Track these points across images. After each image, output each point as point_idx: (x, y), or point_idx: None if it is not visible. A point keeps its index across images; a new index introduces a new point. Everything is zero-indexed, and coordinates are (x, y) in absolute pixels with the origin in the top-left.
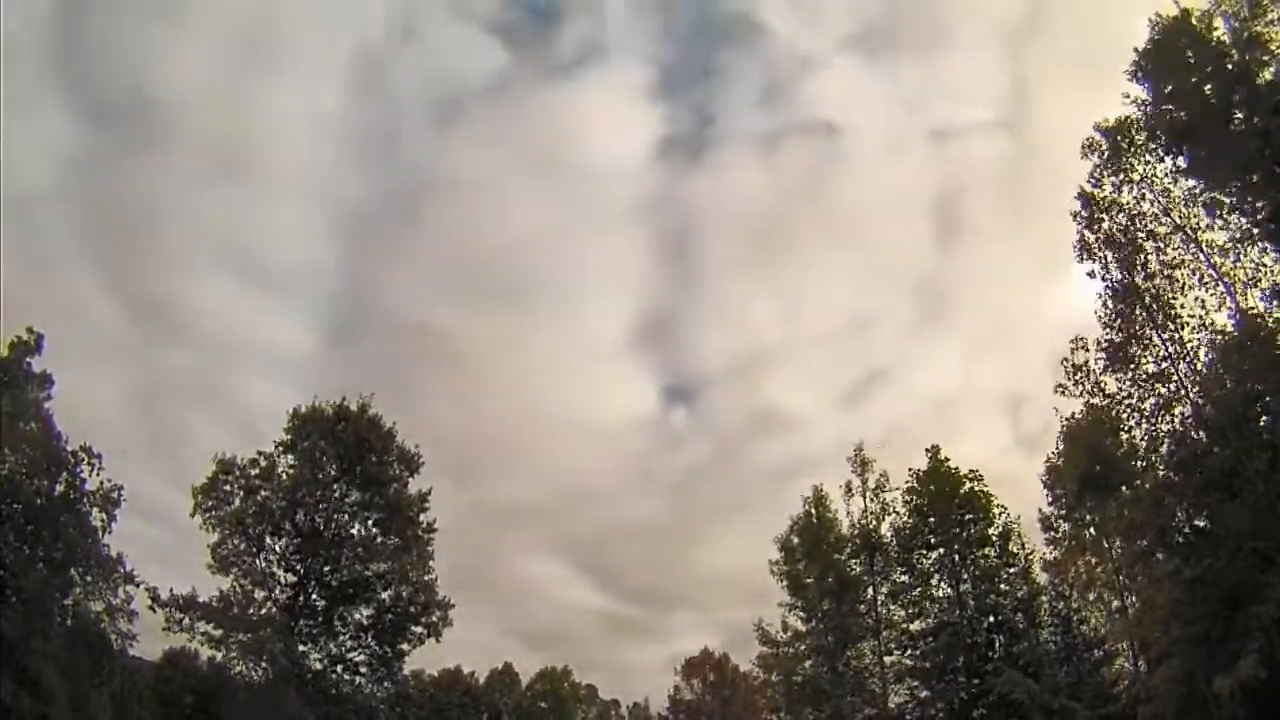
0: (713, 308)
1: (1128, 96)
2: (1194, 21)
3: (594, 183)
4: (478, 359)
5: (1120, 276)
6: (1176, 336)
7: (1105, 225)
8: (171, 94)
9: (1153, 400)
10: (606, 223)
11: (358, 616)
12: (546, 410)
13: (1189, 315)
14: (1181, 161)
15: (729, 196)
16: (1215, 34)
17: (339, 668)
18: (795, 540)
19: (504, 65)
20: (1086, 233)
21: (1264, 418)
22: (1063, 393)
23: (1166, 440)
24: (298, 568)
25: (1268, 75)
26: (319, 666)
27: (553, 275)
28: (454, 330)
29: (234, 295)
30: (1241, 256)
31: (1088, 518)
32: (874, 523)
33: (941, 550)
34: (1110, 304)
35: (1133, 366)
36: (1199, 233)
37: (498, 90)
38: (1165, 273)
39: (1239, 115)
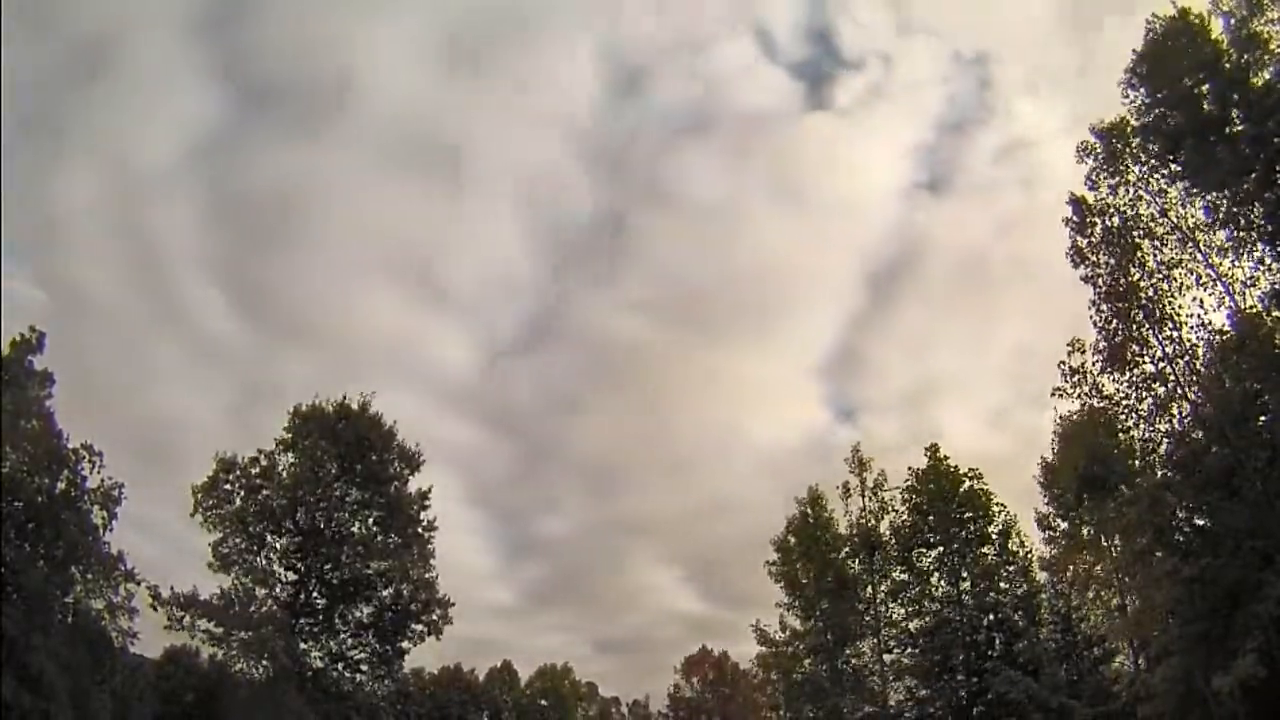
0: (897, 337)
1: (1125, 98)
2: (1191, 21)
3: (829, 218)
4: (658, 376)
5: (1117, 277)
6: (1175, 337)
7: (1099, 227)
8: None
9: (1151, 400)
10: (824, 255)
11: (358, 614)
12: (712, 428)
13: (1187, 315)
14: (1176, 167)
15: (944, 235)
16: (1213, 34)
17: (340, 665)
18: (792, 540)
19: (777, 93)
20: (1078, 237)
21: (1262, 417)
22: (1060, 395)
23: (1165, 440)
24: (298, 566)
25: (1265, 76)
26: (320, 664)
27: (760, 301)
28: (640, 347)
29: (391, 300)
30: (1240, 257)
31: (1086, 517)
32: (872, 521)
33: (941, 549)
34: (1106, 306)
35: (1131, 367)
36: (1196, 233)
37: (759, 117)
38: (1163, 273)
39: (1236, 117)
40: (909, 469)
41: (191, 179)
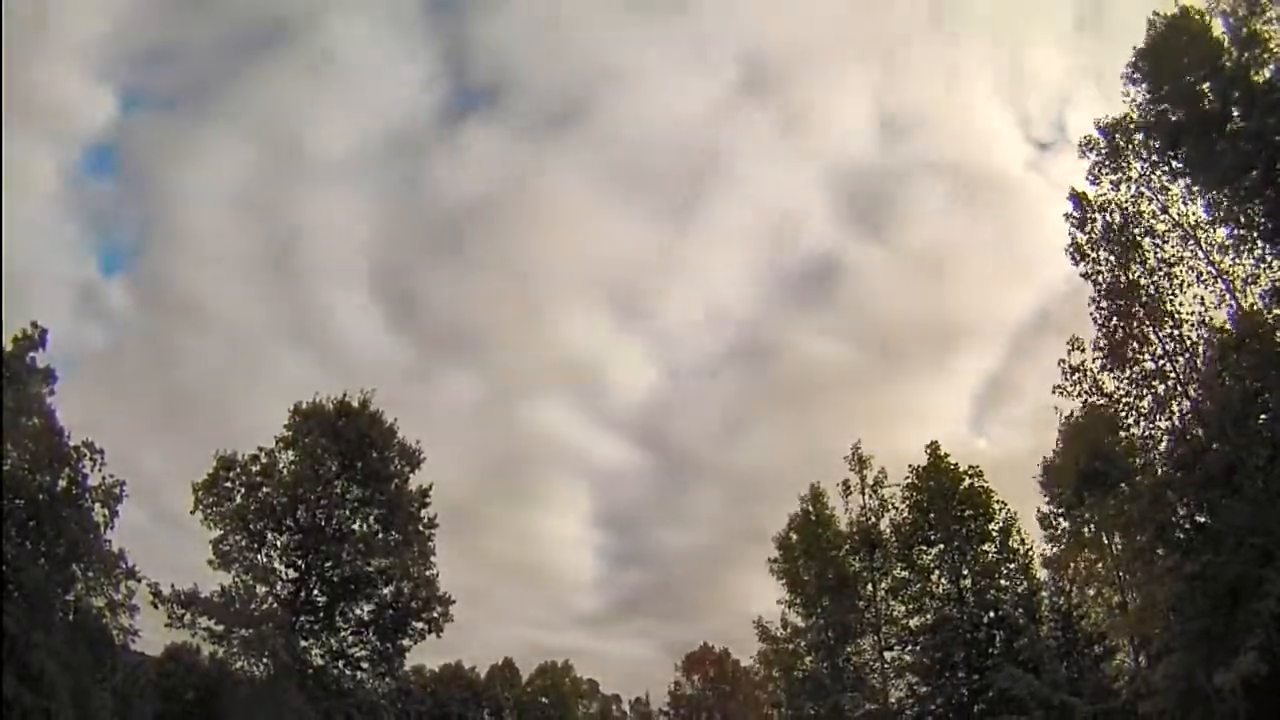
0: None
1: (1127, 95)
2: (1192, 19)
3: (1020, 267)
4: (838, 400)
5: (1117, 274)
6: (1175, 334)
7: (1100, 224)
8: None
9: (1151, 397)
10: (1009, 299)
11: (359, 612)
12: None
13: (1187, 313)
14: (1178, 164)
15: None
16: (1213, 32)
17: (340, 663)
18: (793, 538)
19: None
20: (1078, 234)
21: (1263, 415)
22: (1060, 393)
23: (1165, 437)
24: (299, 563)
25: (1265, 74)
26: (320, 662)
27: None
28: (828, 371)
29: (583, 319)
30: (1240, 254)
31: (1087, 514)
32: (873, 519)
33: (942, 546)
34: (1106, 303)
35: (1131, 364)
36: (1197, 230)
37: (992, 174)
38: (1164, 270)
39: (1236, 115)
40: (910, 466)
41: (374, 173)
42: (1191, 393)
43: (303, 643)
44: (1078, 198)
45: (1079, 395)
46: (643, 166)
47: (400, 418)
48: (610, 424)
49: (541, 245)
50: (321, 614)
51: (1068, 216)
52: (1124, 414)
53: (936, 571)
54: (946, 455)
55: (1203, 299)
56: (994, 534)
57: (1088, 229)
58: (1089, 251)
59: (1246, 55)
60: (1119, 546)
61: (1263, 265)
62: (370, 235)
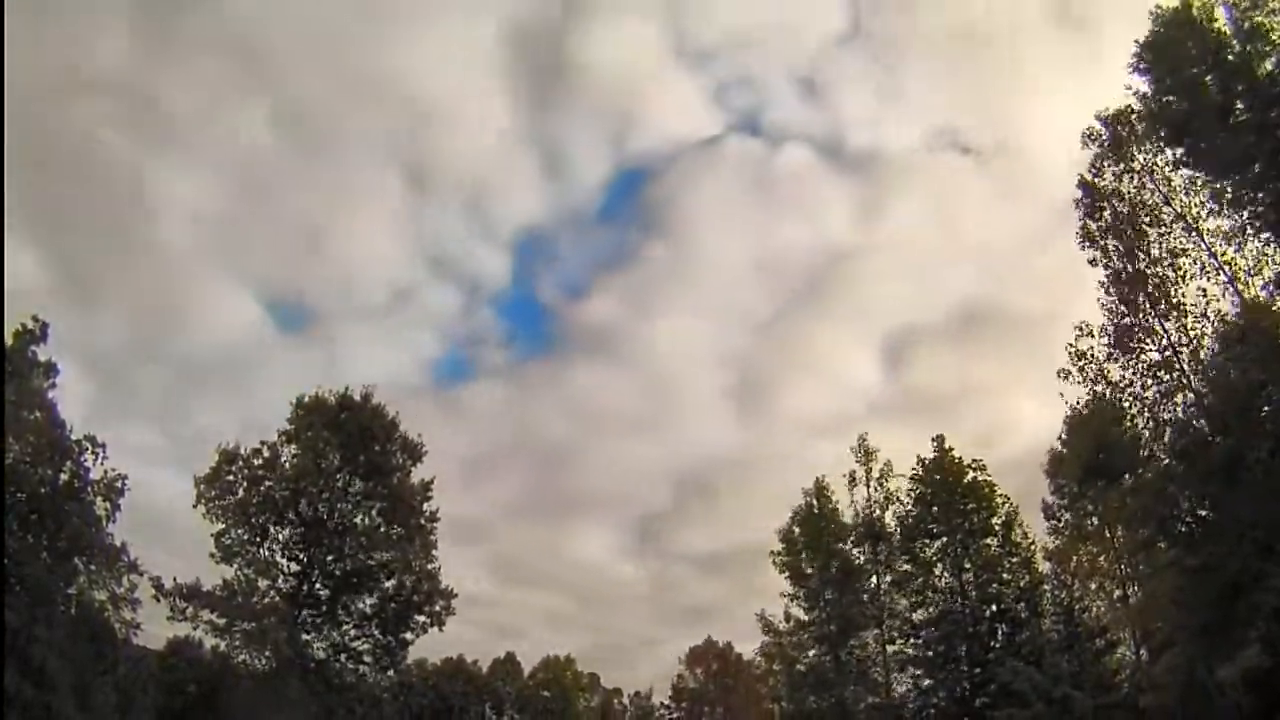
0: None
1: (1129, 88)
2: (1194, 12)
3: None
4: None
5: (1123, 264)
6: (1180, 325)
7: (1107, 213)
8: None
9: (1155, 389)
10: None
11: (361, 606)
12: None
13: (1191, 304)
14: (1181, 155)
15: None
16: (1216, 24)
17: (342, 657)
18: (796, 531)
19: None
20: (1088, 221)
21: (1266, 407)
22: (1066, 378)
23: (1169, 429)
24: (301, 557)
25: (1268, 66)
26: (322, 655)
27: None
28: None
29: None
30: (1243, 245)
31: (1090, 506)
32: (877, 512)
33: (944, 539)
34: (1113, 290)
35: (1136, 354)
36: (1200, 221)
37: None
38: (1168, 260)
39: (1239, 107)
40: (917, 458)
41: None
42: (1195, 384)
43: (305, 636)
44: (1087, 185)
45: (1085, 382)
46: None
47: None
48: None
49: None
50: (323, 608)
51: (1078, 203)
52: (1129, 404)
53: (939, 565)
54: (951, 449)
55: (1205, 290)
56: (996, 528)
57: (1098, 216)
58: (1098, 238)
59: (1249, 47)
60: (1121, 540)
61: (1266, 256)
62: None
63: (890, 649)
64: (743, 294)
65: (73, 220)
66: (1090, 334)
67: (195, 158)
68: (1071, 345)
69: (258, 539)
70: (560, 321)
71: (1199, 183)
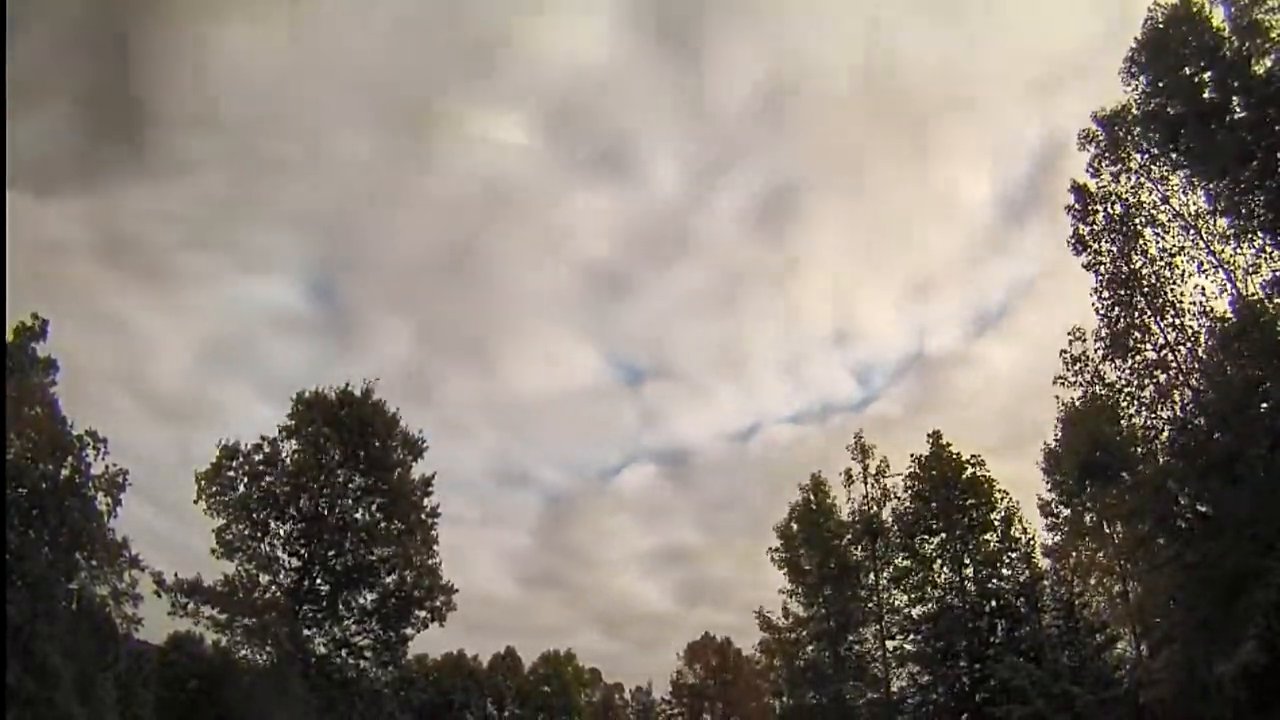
0: None
1: (1127, 86)
2: (1193, 9)
3: None
4: None
5: (1119, 264)
6: (1176, 323)
7: (1100, 215)
8: None
9: (1153, 387)
10: None
11: (362, 601)
12: None
13: (1189, 303)
14: (1178, 155)
15: None
16: (1214, 22)
17: (343, 652)
18: (794, 527)
19: None
20: (1080, 225)
21: (1264, 404)
22: (1062, 383)
23: (1167, 427)
24: (302, 552)
25: (1266, 64)
26: (323, 651)
27: None
28: None
29: None
30: (1241, 244)
31: (1088, 504)
32: (875, 508)
33: (943, 535)
34: (1108, 293)
35: (1133, 354)
36: (1198, 220)
37: None
38: (1165, 260)
39: (1236, 104)
40: (911, 456)
41: None
42: (1193, 382)
43: (306, 632)
44: (1079, 190)
45: (1080, 385)
46: None
47: None
48: None
49: None
50: (324, 603)
51: (1069, 209)
52: (1125, 404)
53: (938, 560)
54: (949, 444)
55: (1204, 289)
56: (996, 523)
57: (1090, 220)
58: (1091, 243)
59: (1247, 45)
60: (1120, 536)
61: (1263, 255)
62: None
63: (889, 645)
64: None
65: None
66: (1084, 338)
67: None
68: (1065, 350)
69: (259, 534)
70: None
71: (1196, 182)
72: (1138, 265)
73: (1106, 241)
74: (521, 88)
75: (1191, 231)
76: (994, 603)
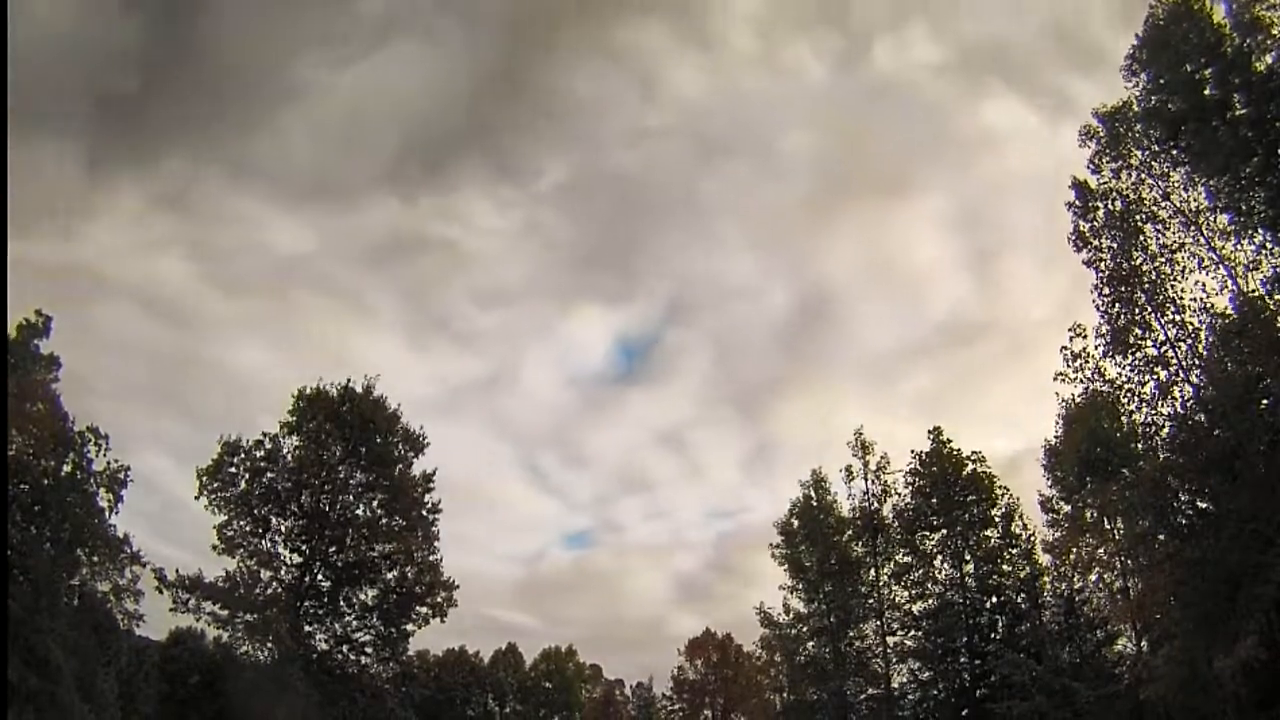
0: None
1: (1128, 83)
2: (1194, 6)
3: None
4: None
5: (1119, 261)
6: (1177, 320)
7: (1101, 212)
8: None
9: (1153, 384)
10: None
11: (363, 597)
12: None
13: (1189, 299)
14: (1178, 151)
15: None
16: (1215, 18)
17: (344, 647)
18: (795, 523)
19: None
20: (1080, 221)
21: (1264, 401)
22: (1062, 380)
23: (1167, 423)
24: (303, 548)
25: (1267, 61)
26: (324, 646)
27: None
28: None
29: None
30: (1242, 241)
31: (1089, 500)
32: (875, 504)
33: (944, 531)
34: (1108, 290)
35: (1133, 351)
36: (1199, 217)
37: None
38: (1165, 256)
39: (1237, 100)
40: (912, 452)
41: None
42: (1193, 379)
43: (307, 627)
44: (1080, 186)
45: (1081, 382)
46: None
47: None
48: None
49: None
50: (326, 599)
51: (1070, 205)
52: (1126, 400)
53: (939, 557)
54: (949, 441)
55: (1204, 285)
56: (996, 519)
57: (1090, 217)
58: (1091, 239)
59: (1248, 41)
60: (1120, 532)
61: (1264, 251)
62: None
63: (890, 640)
64: None
65: None
66: (1084, 334)
67: None
68: (1066, 347)
69: (260, 530)
70: None
71: (1197, 178)
72: (1138, 261)
73: (1107, 238)
74: None
75: (1192, 228)
76: (994, 599)
